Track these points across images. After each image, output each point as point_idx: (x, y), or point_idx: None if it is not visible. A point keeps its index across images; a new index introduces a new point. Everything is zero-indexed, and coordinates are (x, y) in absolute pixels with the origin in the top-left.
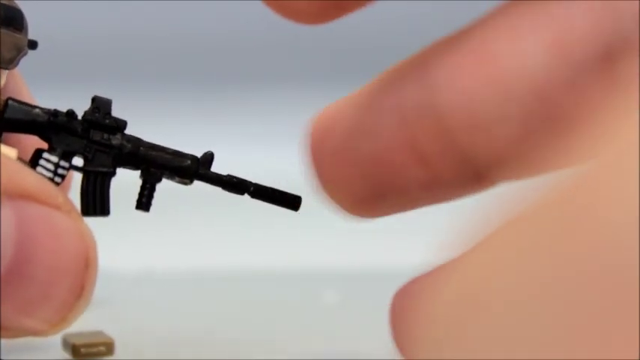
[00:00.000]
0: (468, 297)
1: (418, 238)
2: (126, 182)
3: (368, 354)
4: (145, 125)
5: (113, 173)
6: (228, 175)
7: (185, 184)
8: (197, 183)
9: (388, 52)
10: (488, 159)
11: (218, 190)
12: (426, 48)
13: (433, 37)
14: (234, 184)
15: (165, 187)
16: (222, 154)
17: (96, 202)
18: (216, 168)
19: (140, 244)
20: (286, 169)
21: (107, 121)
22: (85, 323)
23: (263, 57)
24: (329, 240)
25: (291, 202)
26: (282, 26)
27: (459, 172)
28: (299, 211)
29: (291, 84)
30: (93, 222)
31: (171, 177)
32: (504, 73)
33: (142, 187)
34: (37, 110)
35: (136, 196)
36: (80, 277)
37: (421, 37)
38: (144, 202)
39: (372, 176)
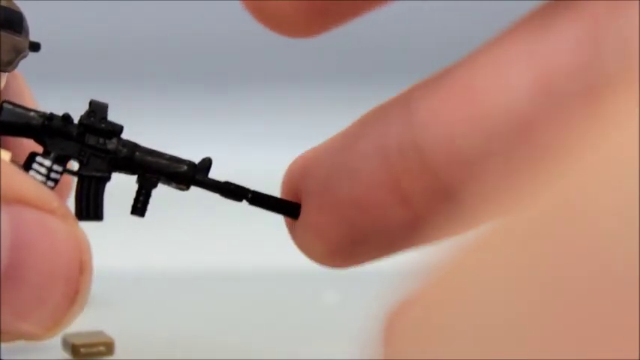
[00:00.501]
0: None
1: None
2: (126, 184)
3: (368, 354)
4: (145, 125)
5: (108, 178)
6: (226, 182)
7: (182, 189)
8: None
9: (389, 52)
10: (472, 197)
11: None
12: (409, 88)
13: (435, 38)
14: (232, 191)
15: (166, 187)
16: (222, 155)
17: (89, 207)
18: (216, 168)
19: (140, 244)
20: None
21: (103, 125)
22: (85, 323)
23: (263, 57)
24: None
25: (290, 209)
26: None
27: (442, 211)
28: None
29: (291, 84)
30: (93, 222)
31: (167, 183)
32: (488, 108)
33: (138, 193)
34: (32, 113)
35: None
36: (74, 282)
37: (423, 37)
38: (139, 207)
39: (351, 219)
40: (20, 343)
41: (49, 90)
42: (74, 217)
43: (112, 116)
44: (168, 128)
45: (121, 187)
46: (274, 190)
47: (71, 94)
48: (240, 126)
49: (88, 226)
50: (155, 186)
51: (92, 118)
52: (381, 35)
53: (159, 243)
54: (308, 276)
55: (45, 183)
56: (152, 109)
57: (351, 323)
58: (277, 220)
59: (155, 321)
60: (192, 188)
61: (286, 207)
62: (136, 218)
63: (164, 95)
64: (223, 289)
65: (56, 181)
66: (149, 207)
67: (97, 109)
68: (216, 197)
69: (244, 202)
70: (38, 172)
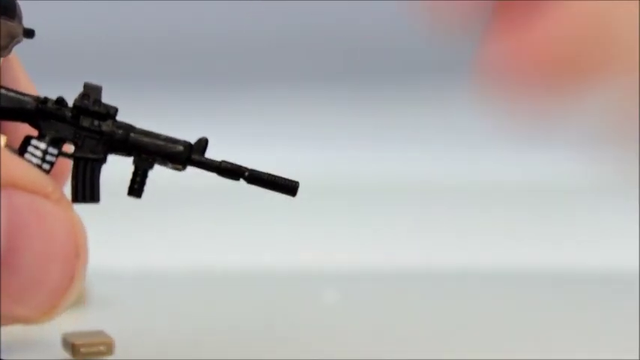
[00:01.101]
0: None
1: (418, 239)
2: (126, 183)
3: (368, 354)
4: (145, 125)
5: (103, 160)
6: (223, 161)
7: (178, 169)
8: (197, 179)
9: (389, 52)
10: None
11: (219, 190)
12: None
13: (435, 38)
14: (229, 170)
15: (166, 186)
16: (223, 154)
17: (85, 189)
18: None
19: (140, 243)
20: (286, 169)
21: (97, 107)
22: (85, 323)
23: (263, 57)
24: (329, 240)
25: (287, 187)
26: (283, 26)
27: None
28: (299, 212)
29: (291, 84)
30: (93, 222)
31: (163, 163)
32: None
33: (134, 174)
34: (26, 98)
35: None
36: (70, 265)
37: (423, 37)
38: (136, 188)
39: None
40: (20, 342)
41: (50, 89)
42: (69, 201)
43: None
44: (168, 128)
45: (121, 186)
46: None
47: (71, 94)
48: (240, 126)
49: (88, 226)
50: (151, 167)
51: (86, 101)
52: (381, 35)
53: (158, 242)
54: (308, 276)
55: (40, 166)
56: (152, 109)
57: (351, 323)
58: (277, 220)
59: (155, 321)
60: (195, 185)
61: (284, 184)
62: (135, 218)
63: (164, 95)
64: (223, 289)
65: (52, 163)
66: (149, 207)
67: (91, 92)
68: (216, 197)
69: (243, 182)
70: (34, 155)
